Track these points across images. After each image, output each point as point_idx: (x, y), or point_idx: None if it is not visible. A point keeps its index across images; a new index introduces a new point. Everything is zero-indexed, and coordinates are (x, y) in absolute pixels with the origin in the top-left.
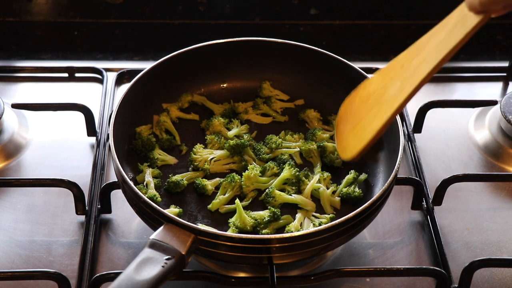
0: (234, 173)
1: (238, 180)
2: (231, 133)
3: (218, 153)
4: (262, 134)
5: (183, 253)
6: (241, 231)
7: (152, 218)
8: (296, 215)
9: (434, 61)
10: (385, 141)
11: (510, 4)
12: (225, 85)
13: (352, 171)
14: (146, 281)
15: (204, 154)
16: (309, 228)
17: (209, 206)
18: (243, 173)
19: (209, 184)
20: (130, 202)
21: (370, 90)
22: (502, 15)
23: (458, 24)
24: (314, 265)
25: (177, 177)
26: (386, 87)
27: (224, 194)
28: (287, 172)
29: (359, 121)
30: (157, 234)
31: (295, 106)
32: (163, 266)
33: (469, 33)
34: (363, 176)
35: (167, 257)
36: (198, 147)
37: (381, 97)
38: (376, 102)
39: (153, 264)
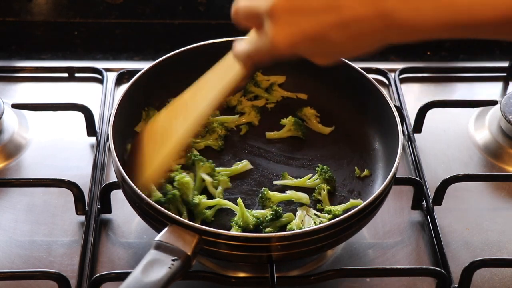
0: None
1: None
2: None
3: None
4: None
5: (189, 253)
6: (243, 230)
7: (155, 219)
8: (297, 212)
9: (208, 100)
10: (384, 140)
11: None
12: None
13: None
14: (155, 282)
15: None
16: (310, 225)
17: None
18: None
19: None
20: (131, 203)
21: (157, 127)
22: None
23: (229, 68)
24: (314, 265)
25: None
26: (171, 123)
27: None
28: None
29: (149, 154)
30: (162, 236)
31: (297, 97)
32: (169, 267)
33: (237, 79)
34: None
35: (173, 258)
36: None
37: (166, 132)
38: (162, 136)
39: (160, 266)
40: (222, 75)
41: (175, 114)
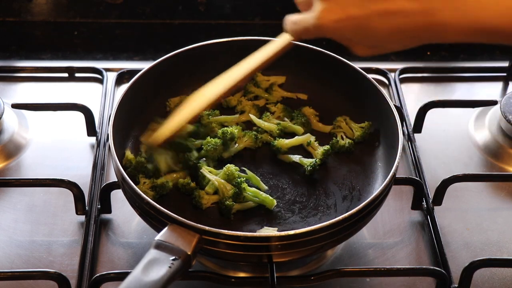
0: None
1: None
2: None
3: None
4: None
5: (189, 253)
6: None
7: (155, 219)
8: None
9: (249, 64)
10: (384, 140)
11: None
12: None
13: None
14: (155, 282)
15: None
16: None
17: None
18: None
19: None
20: (131, 202)
21: (199, 93)
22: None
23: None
24: (314, 265)
25: (161, 180)
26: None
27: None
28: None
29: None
30: (162, 235)
31: (297, 98)
32: (169, 267)
33: (283, 44)
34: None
35: (173, 257)
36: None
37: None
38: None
39: (160, 265)
40: (268, 46)
41: (213, 82)
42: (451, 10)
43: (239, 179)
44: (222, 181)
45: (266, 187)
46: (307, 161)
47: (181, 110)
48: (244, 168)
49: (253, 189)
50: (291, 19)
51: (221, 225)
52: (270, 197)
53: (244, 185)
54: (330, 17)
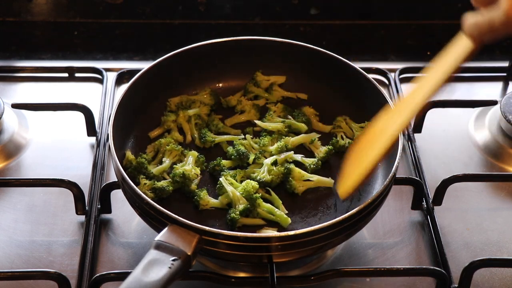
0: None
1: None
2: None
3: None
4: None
5: (189, 253)
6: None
7: (155, 219)
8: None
9: (437, 77)
10: None
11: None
12: (220, 84)
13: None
14: (155, 282)
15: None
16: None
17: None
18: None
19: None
20: (131, 202)
21: (375, 130)
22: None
23: (456, 47)
24: (314, 265)
25: (162, 183)
26: (389, 122)
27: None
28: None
29: (361, 158)
30: (162, 236)
31: (297, 97)
32: (169, 267)
33: (465, 54)
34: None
35: (173, 258)
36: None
37: (382, 132)
38: (378, 137)
39: (160, 266)
40: (449, 55)
41: (393, 114)
42: None
43: (254, 196)
44: (238, 194)
45: (286, 211)
46: (308, 160)
47: (366, 154)
48: (268, 189)
49: (269, 205)
50: (472, 22)
51: (221, 225)
52: (285, 216)
53: (259, 201)
54: None
